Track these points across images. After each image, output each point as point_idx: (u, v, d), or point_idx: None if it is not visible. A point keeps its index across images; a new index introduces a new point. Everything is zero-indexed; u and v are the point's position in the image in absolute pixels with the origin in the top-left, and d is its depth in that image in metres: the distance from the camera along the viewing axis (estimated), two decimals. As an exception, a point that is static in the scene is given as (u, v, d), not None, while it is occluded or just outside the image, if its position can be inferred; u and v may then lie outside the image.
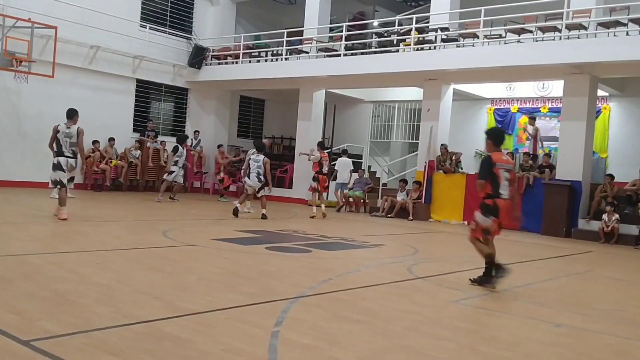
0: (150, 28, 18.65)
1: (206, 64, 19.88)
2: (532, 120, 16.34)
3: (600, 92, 15.07)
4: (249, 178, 12.94)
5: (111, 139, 17.52)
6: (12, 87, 15.44)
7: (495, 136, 6.66)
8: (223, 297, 5.29)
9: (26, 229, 9.10)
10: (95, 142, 17.08)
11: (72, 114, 10.27)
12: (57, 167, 9.94)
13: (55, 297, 4.73)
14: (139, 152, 18.17)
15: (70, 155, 10.00)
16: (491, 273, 6.52)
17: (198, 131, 20.04)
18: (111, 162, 17.36)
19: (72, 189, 13.08)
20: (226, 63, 19.83)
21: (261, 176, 12.80)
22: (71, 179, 10.37)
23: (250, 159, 13.18)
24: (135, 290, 5.26)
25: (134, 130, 18.81)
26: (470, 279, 6.76)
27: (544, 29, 13.77)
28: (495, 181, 6.35)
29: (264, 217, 12.58)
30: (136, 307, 4.65)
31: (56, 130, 9.99)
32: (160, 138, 18.94)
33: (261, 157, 12.90)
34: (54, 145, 9.99)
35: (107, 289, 5.21)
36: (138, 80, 18.85)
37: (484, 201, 6.50)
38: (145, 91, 19.32)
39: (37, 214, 10.88)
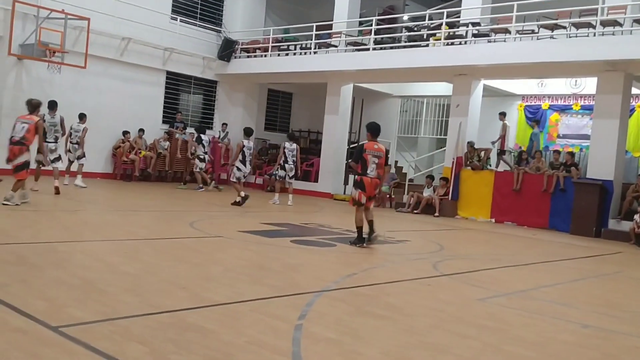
0: (181, 21, 18.80)
1: (235, 57, 19.98)
2: (502, 116, 16.15)
3: (634, 90, 14.72)
4: (243, 165, 13.36)
5: (141, 130, 17.74)
6: (45, 78, 15.72)
7: (373, 129, 8.55)
8: (248, 289, 5.33)
9: (56, 217, 9.27)
10: (125, 132, 17.32)
11: (53, 105, 12.26)
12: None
13: (83, 285, 4.81)
14: (167, 143, 18.37)
15: (52, 141, 11.93)
16: (361, 236, 8.35)
17: (226, 124, 20.17)
18: (140, 152, 17.59)
19: (82, 175, 13.95)
20: (255, 56, 19.90)
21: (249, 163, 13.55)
22: (57, 159, 12.16)
23: (284, 148, 14.37)
24: (162, 280, 5.33)
25: (164, 122, 19.01)
26: (349, 241, 8.47)
27: (578, 25, 13.51)
28: (364, 164, 8.18)
29: (236, 203, 12.87)
30: (162, 296, 4.71)
31: (42, 119, 11.01)
32: (189, 130, 19.12)
33: (251, 144, 13.63)
34: None
35: (134, 278, 5.29)
36: (168, 72, 19.04)
37: (355, 178, 8.51)
38: (175, 83, 19.51)
39: (67, 203, 11.07)
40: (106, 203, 12.15)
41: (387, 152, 8.47)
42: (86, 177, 14.22)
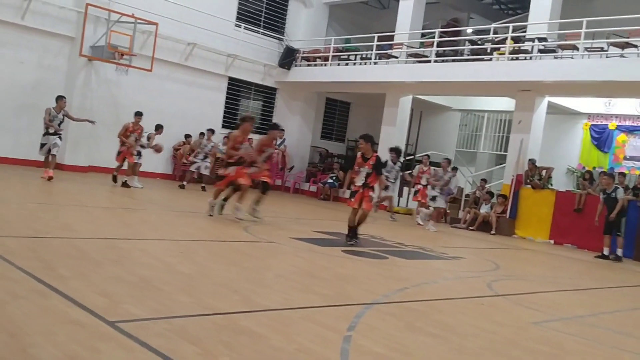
0: (245, 28, 19.15)
1: (296, 65, 20.18)
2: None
3: None
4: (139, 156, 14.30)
5: (201, 134, 18.09)
6: (113, 79, 16.30)
7: (369, 138, 9.34)
8: (298, 296, 5.35)
9: (118, 214, 9.57)
10: (187, 136, 17.74)
11: (58, 100, 12.82)
12: None
13: (140, 283, 4.94)
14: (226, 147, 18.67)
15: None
16: (350, 235, 9.30)
17: (283, 130, 20.36)
18: (199, 155, 17.94)
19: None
20: (315, 65, 20.05)
21: None
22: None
23: None
24: (215, 282, 5.41)
25: (223, 126, 19.36)
26: (346, 240, 9.21)
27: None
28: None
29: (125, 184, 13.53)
30: (215, 298, 4.78)
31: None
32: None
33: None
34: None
35: (189, 278, 5.39)
36: (230, 78, 19.40)
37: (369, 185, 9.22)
38: (236, 89, 19.85)
39: (127, 201, 11.41)
40: (164, 203, 12.44)
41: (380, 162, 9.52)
42: (147, 177, 14.61)
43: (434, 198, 13.98)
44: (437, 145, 20.53)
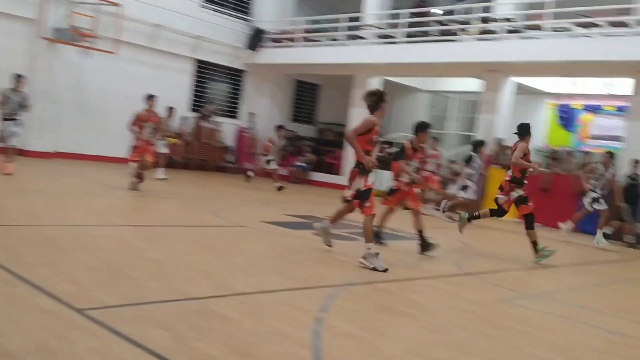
0: (211, 9, 18.84)
1: (263, 47, 19.96)
2: None
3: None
4: None
5: (171, 108, 17.08)
6: (75, 62, 15.86)
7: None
8: (270, 279, 5.34)
9: (85, 201, 9.39)
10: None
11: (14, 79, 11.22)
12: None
13: (109, 269, 4.87)
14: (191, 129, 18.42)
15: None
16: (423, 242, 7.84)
17: (253, 113, 20.22)
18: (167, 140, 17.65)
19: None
20: (283, 47, 19.86)
21: None
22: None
23: None
24: (186, 267, 5.36)
25: (192, 110, 19.09)
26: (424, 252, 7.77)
27: (614, 24, 13.21)
28: None
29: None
30: (186, 284, 4.74)
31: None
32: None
33: None
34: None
35: (159, 264, 5.34)
36: (197, 61, 19.11)
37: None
38: (203, 71, 19.57)
39: (95, 187, 11.22)
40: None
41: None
42: (113, 162, 14.37)
43: (595, 200, 11.44)
44: (408, 127, 20.56)
